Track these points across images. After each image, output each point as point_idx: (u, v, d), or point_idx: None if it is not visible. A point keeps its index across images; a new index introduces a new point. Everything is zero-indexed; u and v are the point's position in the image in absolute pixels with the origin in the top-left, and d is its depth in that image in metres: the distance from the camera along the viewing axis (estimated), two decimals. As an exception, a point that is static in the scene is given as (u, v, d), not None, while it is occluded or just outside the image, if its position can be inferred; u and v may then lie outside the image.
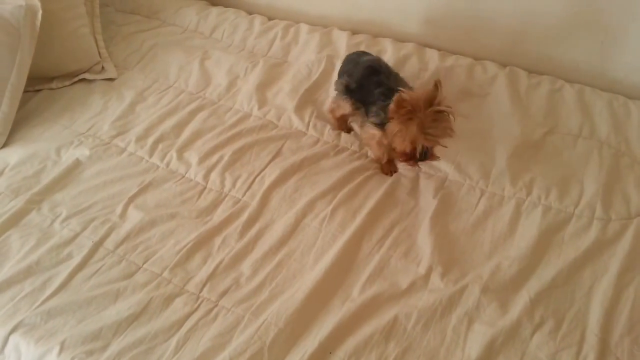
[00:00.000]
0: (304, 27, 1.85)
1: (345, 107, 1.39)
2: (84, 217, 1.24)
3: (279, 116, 1.50)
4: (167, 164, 1.38)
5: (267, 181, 1.31)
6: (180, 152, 1.40)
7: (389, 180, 1.32)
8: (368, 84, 1.32)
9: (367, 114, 1.32)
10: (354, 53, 1.51)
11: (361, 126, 1.38)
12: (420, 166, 1.31)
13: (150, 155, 1.40)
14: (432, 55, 1.70)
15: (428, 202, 1.26)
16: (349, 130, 1.48)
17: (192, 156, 1.39)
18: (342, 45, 1.75)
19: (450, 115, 1.17)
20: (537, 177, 1.29)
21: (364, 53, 1.49)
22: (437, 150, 1.23)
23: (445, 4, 1.69)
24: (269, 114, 1.51)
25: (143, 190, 1.31)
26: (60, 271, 1.13)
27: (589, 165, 1.33)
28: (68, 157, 1.39)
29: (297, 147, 1.41)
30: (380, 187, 1.30)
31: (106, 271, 1.13)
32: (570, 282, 1.09)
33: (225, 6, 2.01)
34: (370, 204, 1.25)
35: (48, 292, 1.09)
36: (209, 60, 1.71)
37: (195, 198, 1.29)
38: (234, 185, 1.32)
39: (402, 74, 1.61)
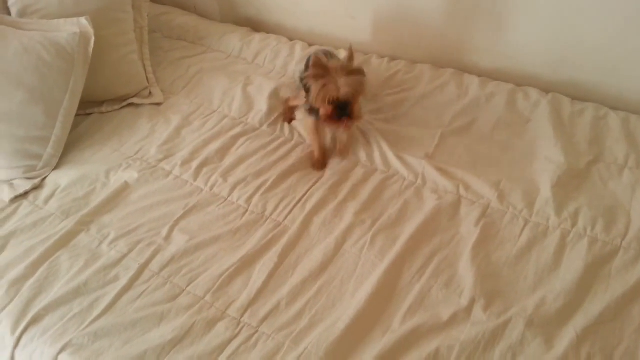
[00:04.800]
0: (343, 54, 1.85)
1: (301, 98, 1.46)
2: (131, 239, 1.27)
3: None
4: (211, 188, 1.41)
5: (308, 206, 1.32)
6: (224, 176, 1.43)
7: (430, 206, 1.31)
8: None
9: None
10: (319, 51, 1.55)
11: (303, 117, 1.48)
12: (348, 126, 1.34)
13: (195, 178, 1.43)
14: (472, 81, 1.69)
15: (469, 231, 1.25)
16: (291, 120, 1.58)
17: (235, 180, 1.41)
18: (382, 72, 1.76)
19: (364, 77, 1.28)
20: (582, 207, 1.26)
21: (324, 53, 1.52)
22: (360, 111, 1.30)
23: (485, 33, 1.69)
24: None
25: (188, 213, 1.33)
26: (107, 292, 1.16)
27: (635, 196, 1.30)
28: (117, 179, 1.44)
29: (339, 174, 1.42)
30: (420, 213, 1.29)
31: (151, 293, 1.16)
32: (619, 318, 1.05)
33: (268, 32, 2.05)
34: (410, 230, 1.25)
35: (95, 313, 1.12)
36: (252, 86, 1.74)
37: (237, 221, 1.31)
38: (275, 208, 1.33)
39: (439, 100, 1.63)
